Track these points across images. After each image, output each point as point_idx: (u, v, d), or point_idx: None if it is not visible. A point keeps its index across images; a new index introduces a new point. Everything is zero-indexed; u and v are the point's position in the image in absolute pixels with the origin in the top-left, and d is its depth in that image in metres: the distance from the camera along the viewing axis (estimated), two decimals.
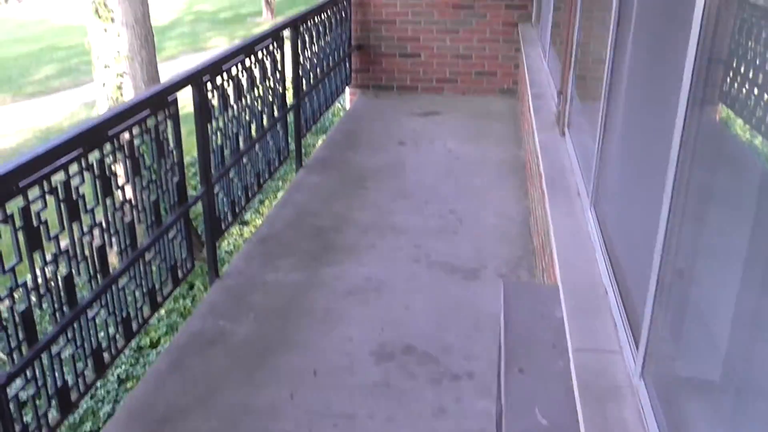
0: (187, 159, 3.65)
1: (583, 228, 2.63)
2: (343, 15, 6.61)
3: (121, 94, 8.95)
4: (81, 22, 9.00)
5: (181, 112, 3.32)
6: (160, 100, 3.12)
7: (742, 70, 1.48)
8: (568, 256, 2.47)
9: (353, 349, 3.16)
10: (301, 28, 5.25)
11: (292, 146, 5.19)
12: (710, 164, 1.62)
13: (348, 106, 7.50)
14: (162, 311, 6.27)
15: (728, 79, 1.57)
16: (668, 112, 1.69)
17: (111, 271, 2.76)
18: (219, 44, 20.48)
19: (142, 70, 8.98)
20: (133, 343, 5.58)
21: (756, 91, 1.42)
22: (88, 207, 2.62)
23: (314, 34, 5.62)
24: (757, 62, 1.41)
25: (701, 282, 1.58)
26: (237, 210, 4.08)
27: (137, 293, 3.00)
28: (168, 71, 15.44)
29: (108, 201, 2.74)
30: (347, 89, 7.24)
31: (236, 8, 26.85)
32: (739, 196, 1.47)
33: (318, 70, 5.77)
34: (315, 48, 5.66)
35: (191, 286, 6.72)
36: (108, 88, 8.92)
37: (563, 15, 4.21)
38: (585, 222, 2.67)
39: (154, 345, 6.17)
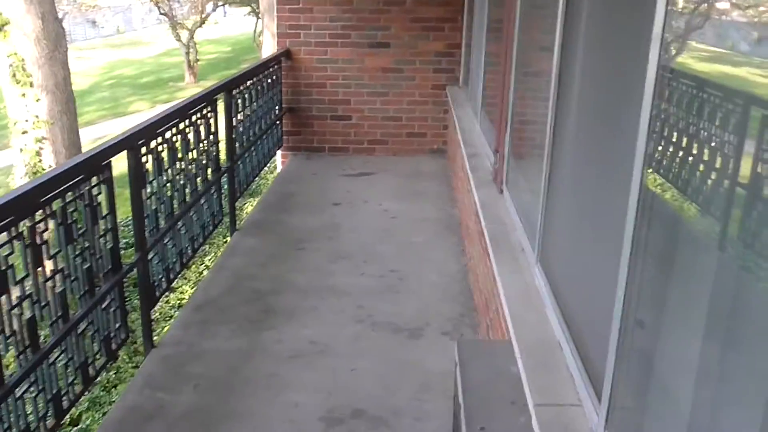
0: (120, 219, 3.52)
1: (531, 284, 2.66)
2: (275, 78, 6.64)
3: (40, 160, 8.65)
4: None
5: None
6: (94, 165, 3.02)
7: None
8: (519, 312, 2.48)
9: (300, 416, 3.05)
10: (235, 92, 5.23)
11: (226, 209, 5.10)
12: (671, 214, 1.66)
13: (279, 168, 7.47)
14: None
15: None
16: (626, 163, 1.72)
17: (41, 345, 2.59)
18: (140, 109, 20.23)
19: (62, 136, 8.72)
20: None
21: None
22: (18, 277, 2.47)
23: (246, 97, 5.60)
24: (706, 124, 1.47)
25: (664, 333, 1.60)
26: (172, 276, 3.94)
27: (69, 368, 2.82)
28: (87, 137, 15.08)
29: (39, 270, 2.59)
30: (279, 152, 7.22)
31: (158, 73, 26.69)
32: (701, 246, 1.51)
33: (251, 132, 5.75)
34: (248, 111, 5.64)
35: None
36: (26, 153, 8.62)
37: (496, 76, 4.35)
38: (532, 278, 2.70)
39: (74, 422, 5.80)
